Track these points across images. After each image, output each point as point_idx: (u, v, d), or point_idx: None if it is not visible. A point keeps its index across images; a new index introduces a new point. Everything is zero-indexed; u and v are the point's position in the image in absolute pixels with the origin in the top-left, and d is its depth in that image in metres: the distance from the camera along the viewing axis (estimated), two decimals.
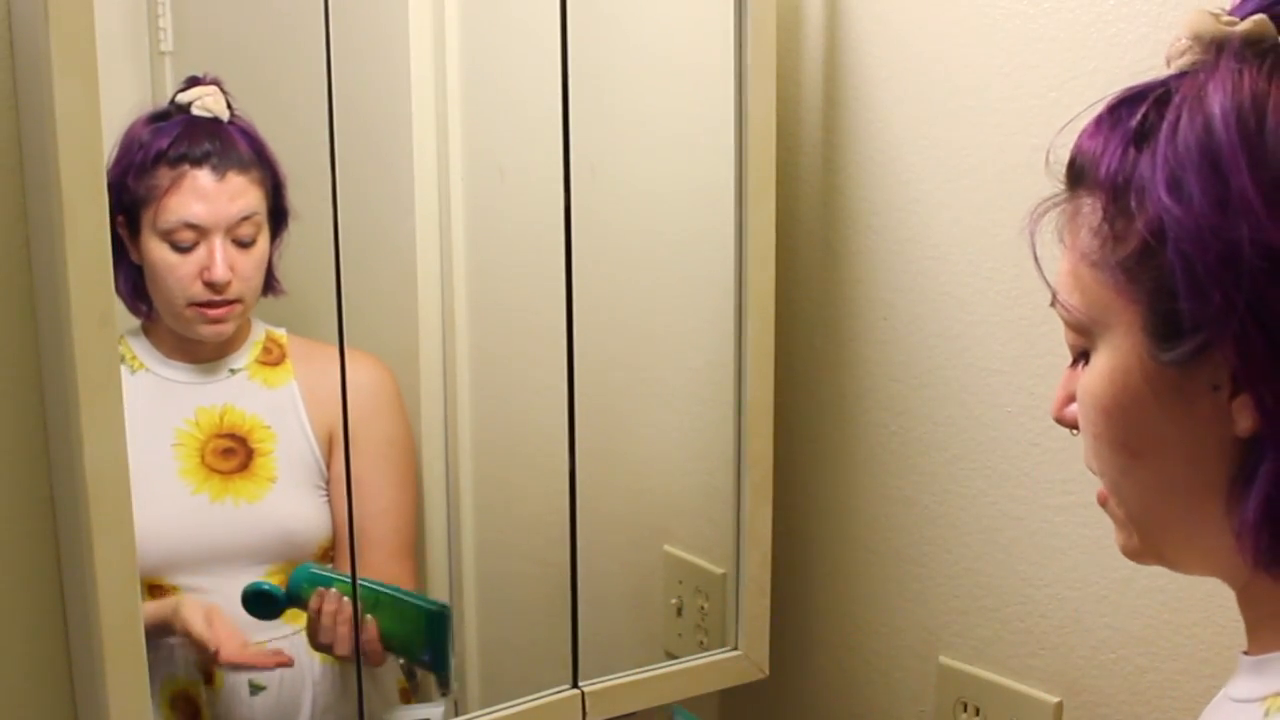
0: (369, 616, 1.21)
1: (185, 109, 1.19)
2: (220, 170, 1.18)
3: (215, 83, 1.20)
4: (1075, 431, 0.68)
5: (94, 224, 0.92)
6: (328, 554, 1.26)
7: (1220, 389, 0.58)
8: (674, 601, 1.43)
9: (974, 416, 1.21)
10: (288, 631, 1.22)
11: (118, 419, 0.94)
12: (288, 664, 1.20)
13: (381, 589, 1.22)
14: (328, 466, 1.26)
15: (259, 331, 1.27)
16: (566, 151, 1.20)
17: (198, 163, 1.17)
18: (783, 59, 1.30)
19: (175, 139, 1.16)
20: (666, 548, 1.44)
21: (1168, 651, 1.09)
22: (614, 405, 1.40)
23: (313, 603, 1.20)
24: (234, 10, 1.29)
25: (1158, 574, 1.09)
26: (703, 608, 1.41)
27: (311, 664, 1.24)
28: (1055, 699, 1.17)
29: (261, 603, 1.20)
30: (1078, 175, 0.64)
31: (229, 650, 1.17)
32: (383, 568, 1.28)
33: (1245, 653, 0.64)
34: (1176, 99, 0.59)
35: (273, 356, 1.27)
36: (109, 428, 0.94)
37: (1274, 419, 0.57)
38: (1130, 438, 0.63)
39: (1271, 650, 0.62)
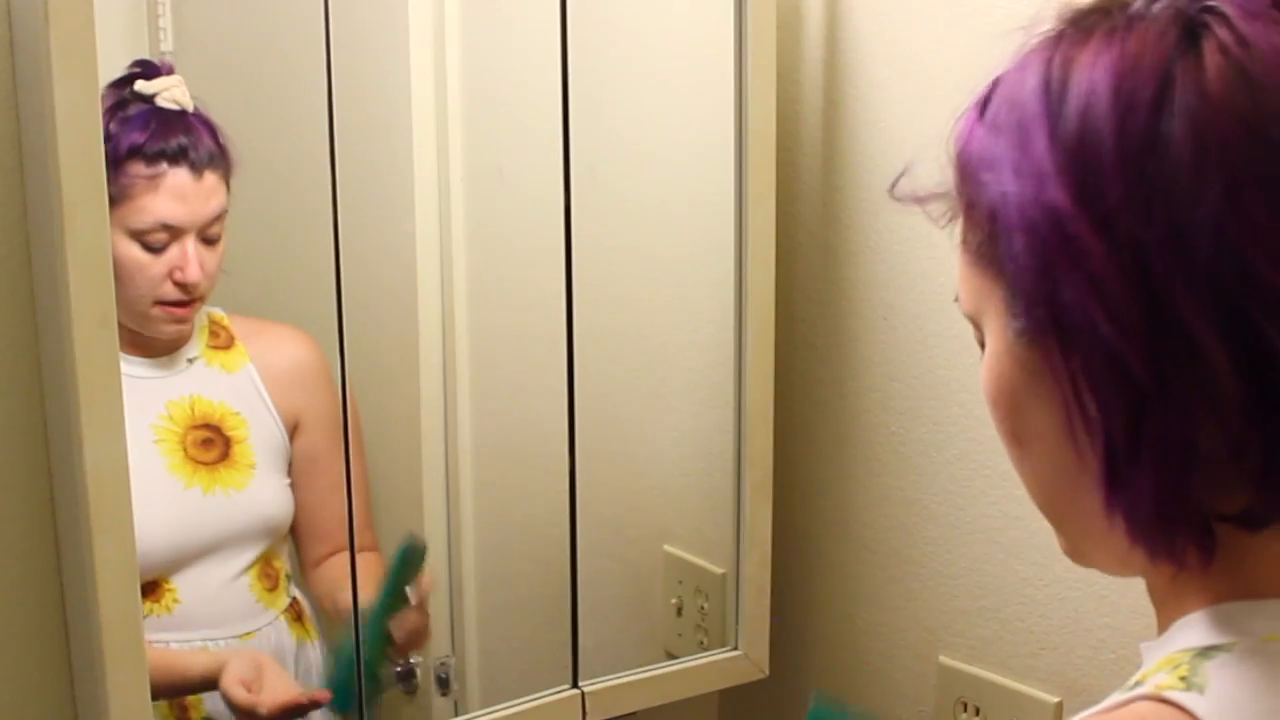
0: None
1: (149, 99, 1.13)
2: (198, 169, 1.13)
3: (172, 71, 1.15)
4: None
5: (94, 224, 0.92)
6: (286, 537, 1.27)
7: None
8: (674, 601, 1.43)
9: (974, 416, 1.21)
10: (270, 618, 1.23)
11: (118, 419, 0.95)
12: (325, 700, 1.17)
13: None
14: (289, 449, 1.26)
15: (201, 316, 1.24)
16: (566, 151, 1.20)
17: (175, 160, 1.12)
18: (783, 59, 1.30)
19: (151, 134, 1.11)
20: (666, 548, 1.44)
21: None
22: (614, 405, 1.40)
23: None
24: (234, 10, 1.29)
25: None
26: (703, 608, 1.41)
27: (291, 648, 1.24)
28: (1055, 699, 1.17)
29: None
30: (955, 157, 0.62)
31: (270, 704, 1.14)
32: (341, 541, 1.26)
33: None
34: (1003, 71, 0.58)
35: (221, 340, 1.24)
36: (109, 428, 0.94)
37: (1105, 404, 0.54)
38: (1014, 427, 0.62)
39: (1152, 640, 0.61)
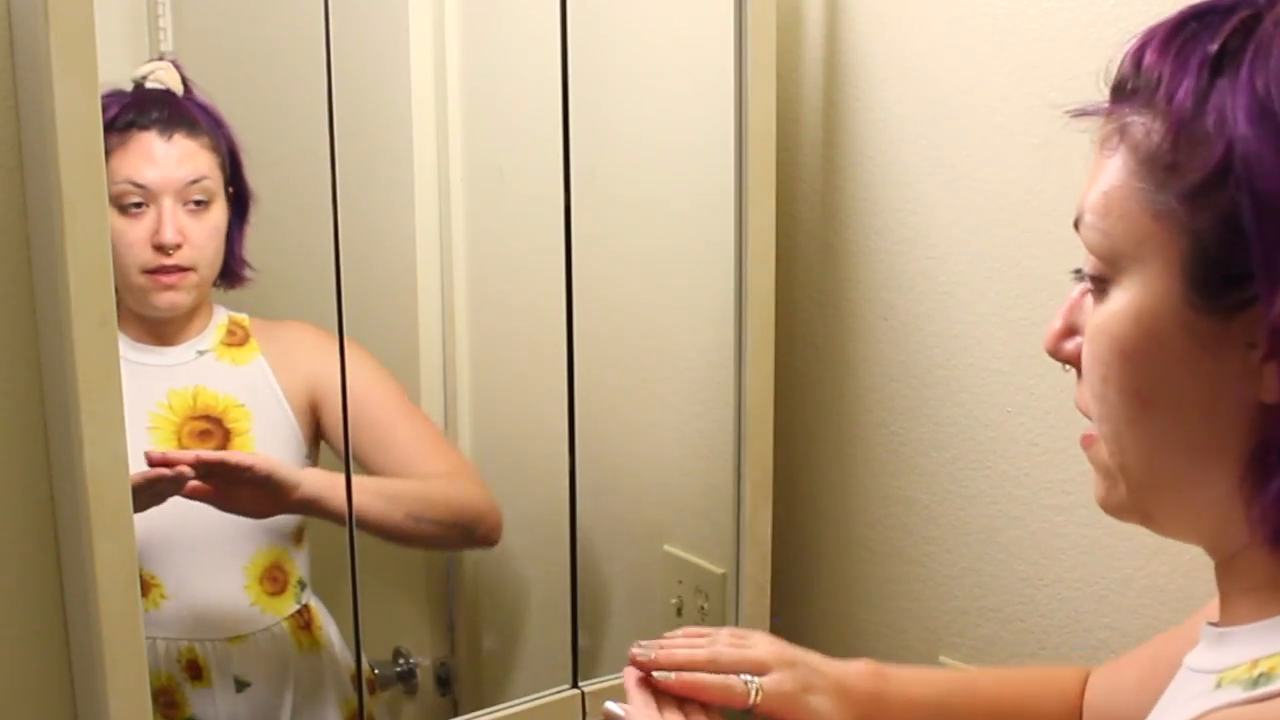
0: None
1: (139, 83, 1.19)
2: (167, 133, 1.17)
3: (172, 61, 1.20)
4: (1068, 368, 0.63)
5: (94, 224, 0.92)
6: (302, 542, 1.26)
7: (1255, 348, 0.53)
8: (674, 601, 1.43)
9: (974, 416, 1.21)
10: (269, 622, 1.22)
11: (118, 419, 0.95)
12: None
13: None
14: (313, 432, 1.26)
15: (221, 315, 1.27)
16: (566, 152, 1.20)
17: (144, 127, 1.17)
18: (783, 59, 1.30)
19: (123, 107, 1.16)
20: (666, 548, 1.44)
21: None
22: (614, 405, 1.40)
23: None
24: (234, 10, 1.30)
25: (1158, 574, 1.09)
26: (703, 608, 1.41)
27: (292, 656, 1.24)
28: None
29: None
30: (1134, 90, 0.58)
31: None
32: (439, 479, 1.30)
33: (1212, 624, 0.61)
34: (1269, 22, 0.54)
35: (237, 338, 1.27)
36: (109, 428, 0.94)
37: None
38: (1145, 386, 0.58)
39: (1238, 623, 0.59)
